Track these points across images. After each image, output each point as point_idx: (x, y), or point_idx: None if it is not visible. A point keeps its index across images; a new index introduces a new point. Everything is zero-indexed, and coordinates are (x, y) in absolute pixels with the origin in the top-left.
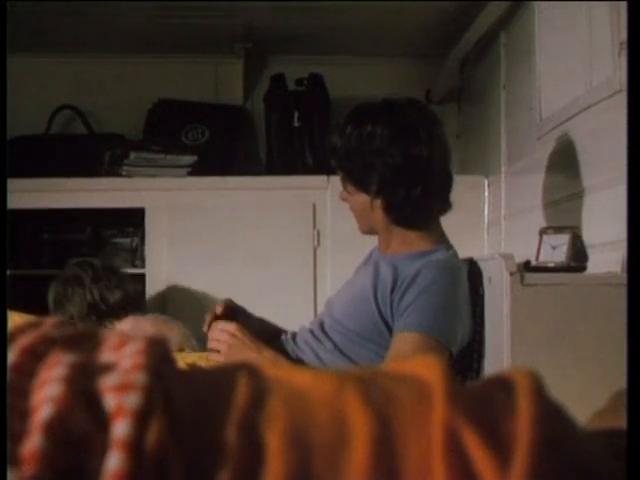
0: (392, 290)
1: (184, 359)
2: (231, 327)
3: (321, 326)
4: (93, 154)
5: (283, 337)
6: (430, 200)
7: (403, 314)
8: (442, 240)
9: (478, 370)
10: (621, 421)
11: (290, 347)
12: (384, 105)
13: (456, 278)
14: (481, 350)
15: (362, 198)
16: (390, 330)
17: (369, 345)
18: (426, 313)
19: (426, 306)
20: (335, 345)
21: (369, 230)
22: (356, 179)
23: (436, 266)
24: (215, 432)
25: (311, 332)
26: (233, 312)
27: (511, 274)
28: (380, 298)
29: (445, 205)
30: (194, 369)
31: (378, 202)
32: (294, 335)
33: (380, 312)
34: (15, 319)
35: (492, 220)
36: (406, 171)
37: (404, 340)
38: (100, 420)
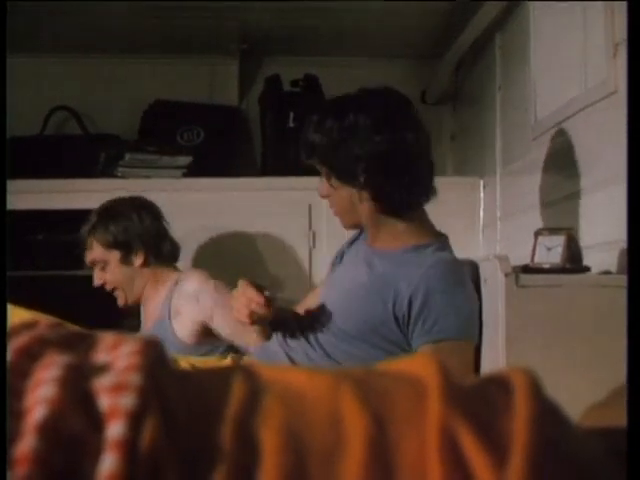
0: (395, 296)
1: (183, 360)
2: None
3: (311, 325)
4: (88, 155)
5: (274, 335)
6: (418, 187)
7: (420, 324)
8: (434, 233)
9: (477, 369)
10: (616, 417)
11: (282, 347)
12: (362, 95)
13: (460, 272)
14: (479, 349)
15: (347, 191)
16: (388, 329)
17: (361, 345)
18: (446, 318)
19: (443, 311)
20: (323, 348)
21: (354, 224)
22: (342, 172)
23: (439, 266)
24: (210, 432)
25: (301, 332)
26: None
27: (506, 275)
28: (380, 298)
29: (431, 192)
30: (189, 370)
31: (365, 194)
32: (285, 334)
33: (379, 312)
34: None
35: (487, 221)
36: (393, 158)
37: (435, 352)
38: (95, 421)
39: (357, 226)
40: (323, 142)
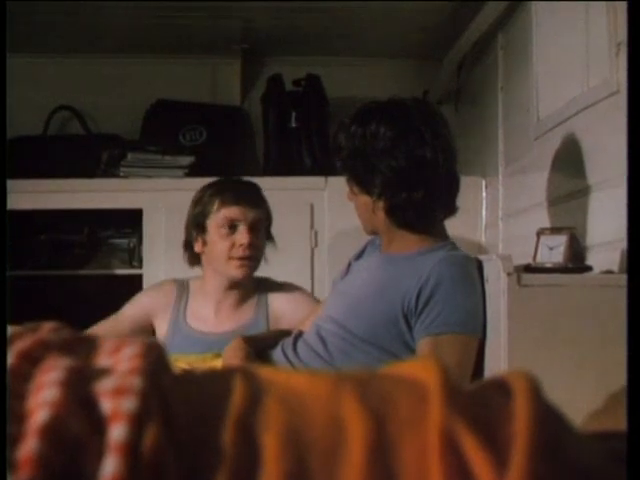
0: (404, 292)
1: (181, 360)
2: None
3: (317, 333)
4: (90, 155)
5: (281, 344)
6: (433, 203)
7: (424, 316)
8: (445, 237)
9: (481, 371)
10: (615, 423)
11: (290, 357)
12: (389, 104)
13: (469, 268)
14: (483, 349)
15: (365, 199)
16: (398, 332)
17: (371, 350)
18: (450, 311)
19: (447, 304)
20: (331, 355)
21: (372, 231)
22: (359, 180)
23: (449, 260)
24: (211, 435)
25: (306, 342)
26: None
27: (508, 275)
28: (391, 298)
29: (450, 208)
30: (190, 373)
31: (380, 204)
32: (296, 341)
33: (389, 314)
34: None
35: (489, 221)
36: (409, 174)
37: (435, 344)
38: (96, 424)
39: (375, 232)
40: (346, 146)
